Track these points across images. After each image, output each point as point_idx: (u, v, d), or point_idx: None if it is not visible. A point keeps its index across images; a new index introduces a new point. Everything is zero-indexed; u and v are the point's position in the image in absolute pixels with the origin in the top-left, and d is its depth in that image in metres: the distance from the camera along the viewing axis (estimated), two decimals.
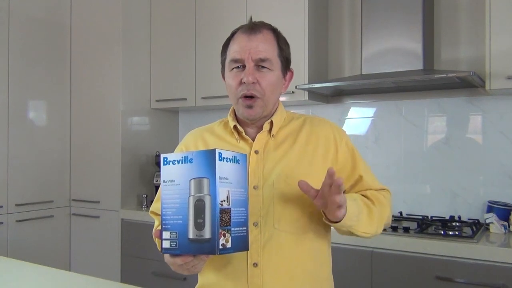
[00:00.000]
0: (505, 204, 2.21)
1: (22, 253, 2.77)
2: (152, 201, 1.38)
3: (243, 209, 1.01)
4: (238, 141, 1.23)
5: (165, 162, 1.02)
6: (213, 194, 0.95)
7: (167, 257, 1.04)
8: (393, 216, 2.44)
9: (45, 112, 3.07)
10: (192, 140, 1.30)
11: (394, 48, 2.33)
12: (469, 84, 2.27)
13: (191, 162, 0.98)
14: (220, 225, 0.95)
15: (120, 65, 2.97)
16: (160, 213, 1.30)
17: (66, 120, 3.17)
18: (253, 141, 1.21)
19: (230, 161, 0.99)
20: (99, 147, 3.05)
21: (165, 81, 3.10)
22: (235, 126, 1.23)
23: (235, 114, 1.26)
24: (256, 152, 1.20)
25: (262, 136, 1.21)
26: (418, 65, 2.26)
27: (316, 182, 1.18)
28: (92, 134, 3.09)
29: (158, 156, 3.09)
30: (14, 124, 2.85)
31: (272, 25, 1.24)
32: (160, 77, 3.12)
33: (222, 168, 0.96)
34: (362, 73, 2.43)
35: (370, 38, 2.40)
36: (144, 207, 2.92)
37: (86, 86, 3.13)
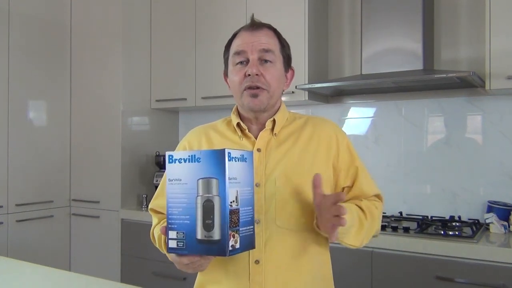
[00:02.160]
0: (505, 204, 2.21)
1: (22, 253, 2.77)
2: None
3: (250, 207, 1.01)
4: (241, 138, 1.23)
5: (170, 160, 1.00)
6: (222, 195, 0.94)
7: (172, 255, 1.04)
8: (393, 216, 2.46)
9: (45, 112, 3.07)
10: (195, 137, 1.30)
11: (394, 48, 2.33)
12: (469, 84, 2.27)
13: (198, 162, 0.96)
14: (230, 227, 0.94)
15: (120, 65, 2.97)
16: (159, 211, 1.31)
17: (66, 120, 3.17)
18: (256, 139, 1.22)
19: (238, 160, 0.98)
20: (99, 147, 3.05)
21: (165, 81, 3.10)
22: (238, 124, 1.23)
23: (238, 113, 1.26)
24: (259, 150, 1.20)
25: (264, 134, 1.22)
26: (418, 65, 2.26)
27: None
28: (92, 134, 3.09)
29: (158, 156, 3.09)
30: (14, 124, 2.85)
31: (272, 25, 1.25)
32: (160, 77, 3.12)
33: (231, 168, 0.95)
34: (362, 73, 2.43)
35: (370, 38, 2.40)
36: (144, 207, 2.92)
37: (86, 86, 3.13)
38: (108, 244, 2.97)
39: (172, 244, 0.99)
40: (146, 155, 3.13)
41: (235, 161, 0.97)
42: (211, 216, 0.95)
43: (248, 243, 1.00)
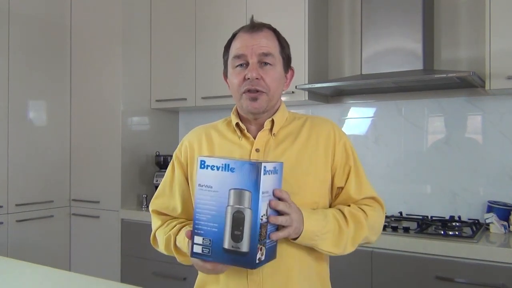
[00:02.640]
0: (505, 204, 2.21)
1: (22, 253, 2.77)
2: None
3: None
4: (240, 138, 1.23)
5: (202, 166, 1.00)
6: (255, 209, 0.94)
7: (196, 261, 1.04)
8: (393, 216, 2.46)
9: (45, 112, 3.07)
10: (196, 136, 1.30)
11: (394, 48, 2.33)
12: (469, 84, 2.27)
13: (232, 172, 0.96)
14: (259, 240, 0.94)
15: (120, 65, 2.97)
16: (163, 212, 1.30)
17: (66, 120, 3.17)
18: (254, 139, 1.22)
19: (271, 173, 0.98)
20: (99, 147, 3.05)
21: (165, 81, 3.10)
22: (237, 124, 1.23)
23: (238, 113, 1.26)
24: (257, 150, 1.20)
25: (263, 135, 1.21)
26: (418, 65, 2.26)
27: (316, 180, 1.18)
28: (92, 134, 3.09)
29: (158, 156, 3.09)
30: (14, 124, 2.85)
31: (272, 25, 1.25)
32: (160, 77, 3.12)
33: (265, 182, 0.95)
34: (362, 73, 2.43)
35: (370, 38, 2.40)
36: (144, 207, 2.92)
37: (86, 86, 3.13)
38: (108, 244, 2.97)
39: (197, 249, 1.00)
40: (146, 155, 3.13)
41: (268, 174, 0.97)
42: (241, 228, 0.95)
43: (272, 254, 1.02)
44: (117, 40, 2.97)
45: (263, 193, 0.94)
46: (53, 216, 3.05)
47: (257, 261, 0.94)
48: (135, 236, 2.83)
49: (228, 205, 0.96)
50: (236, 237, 0.95)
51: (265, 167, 0.94)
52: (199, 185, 1.00)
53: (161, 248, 1.27)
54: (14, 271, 1.63)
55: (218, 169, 0.98)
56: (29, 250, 2.86)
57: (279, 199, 1.03)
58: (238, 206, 0.95)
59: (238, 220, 0.95)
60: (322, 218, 1.12)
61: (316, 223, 1.10)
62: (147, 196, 2.98)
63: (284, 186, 1.13)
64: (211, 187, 0.98)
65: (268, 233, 0.97)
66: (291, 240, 1.09)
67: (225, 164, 0.97)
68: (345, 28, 2.75)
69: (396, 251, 2.00)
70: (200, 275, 1.25)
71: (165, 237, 1.23)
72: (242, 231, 0.95)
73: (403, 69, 2.28)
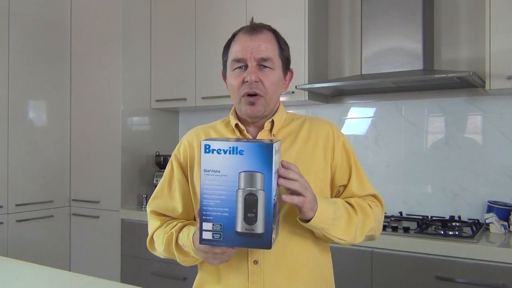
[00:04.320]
0: (505, 204, 2.21)
1: (22, 253, 2.77)
2: None
3: (277, 196, 1.02)
4: None
5: (207, 150, 0.96)
6: (268, 190, 0.94)
7: (202, 246, 1.02)
8: (393, 216, 2.46)
9: (45, 112, 3.07)
10: (195, 136, 1.29)
11: (394, 48, 2.33)
12: (469, 84, 2.27)
13: (241, 154, 0.94)
14: (273, 220, 0.95)
15: (120, 65, 2.97)
16: (162, 213, 1.30)
17: (66, 120, 3.17)
18: None
19: (277, 152, 0.98)
20: (99, 147, 3.05)
21: (165, 81, 3.10)
22: (236, 125, 1.23)
23: (236, 113, 1.26)
24: None
25: (262, 135, 1.22)
26: (418, 65, 2.26)
27: (316, 179, 1.18)
28: (92, 134, 3.09)
29: (158, 156, 3.09)
30: (14, 124, 2.85)
31: (272, 26, 1.24)
32: (160, 77, 3.12)
33: (275, 163, 0.95)
34: (362, 73, 2.43)
35: (370, 38, 2.40)
36: (144, 207, 2.92)
37: (86, 86, 3.13)
38: (108, 244, 2.97)
39: (207, 235, 0.98)
40: (146, 155, 3.13)
41: (276, 154, 0.97)
42: (254, 210, 0.94)
43: (278, 231, 1.04)
44: (117, 40, 2.97)
45: (274, 173, 0.95)
46: (53, 216, 3.05)
47: (272, 241, 0.95)
48: (135, 236, 2.83)
49: (239, 189, 0.95)
50: (250, 220, 0.95)
51: (274, 146, 0.94)
52: (205, 170, 0.96)
53: (159, 249, 1.24)
54: (14, 271, 1.63)
55: (225, 152, 0.95)
56: (29, 250, 2.86)
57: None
58: (250, 189, 0.94)
59: (251, 202, 0.94)
60: (332, 203, 1.12)
61: (327, 206, 1.10)
62: (147, 196, 2.98)
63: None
64: (219, 171, 0.96)
65: (277, 211, 0.99)
66: (302, 223, 1.08)
67: (233, 147, 0.95)
68: (345, 28, 2.75)
69: (396, 251, 2.00)
70: (200, 275, 1.24)
71: (166, 236, 1.20)
72: (255, 213, 0.94)
73: (403, 69, 2.28)
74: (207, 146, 0.96)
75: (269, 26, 1.23)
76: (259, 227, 0.95)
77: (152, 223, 1.29)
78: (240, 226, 0.96)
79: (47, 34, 3.04)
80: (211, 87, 2.84)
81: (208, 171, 0.96)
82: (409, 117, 2.54)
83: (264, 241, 0.95)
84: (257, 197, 0.94)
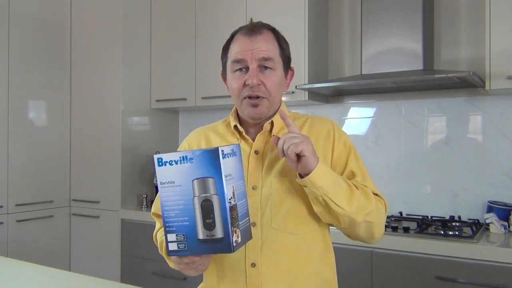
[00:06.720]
0: (505, 204, 2.21)
1: (22, 253, 2.77)
2: (152, 201, 1.37)
3: (244, 200, 1.01)
4: (239, 141, 1.23)
5: (160, 163, 0.98)
6: (221, 193, 0.94)
7: (174, 258, 1.03)
8: (393, 216, 2.46)
9: (45, 112, 3.07)
10: (195, 139, 1.30)
11: (394, 48, 2.33)
12: (469, 84, 2.27)
13: (191, 162, 0.95)
14: (232, 223, 0.95)
15: (120, 65, 2.96)
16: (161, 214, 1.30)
17: (66, 120, 3.17)
18: (254, 141, 1.21)
19: (230, 156, 0.98)
20: (99, 147, 3.05)
21: (165, 81, 3.10)
22: (235, 126, 1.23)
23: (237, 114, 1.26)
24: (256, 152, 1.19)
25: (262, 136, 1.21)
26: (418, 65, 2.26)
27: None
28: (92, 134, 3.09)
29: None
30: (14, 124, 2.85)
31: (272, 25, 1.23)
32: (160, 77, 3.12)
33: (226, 166, 0.95)
34: (362, 73, 2.43)
35: (370, 38, 2.40)
36: (144, 207, 2.92)
37: (86, 86, 3.13)
38: (108, 244, 2.96)
39: (173, 246, 0.99)
40: (146, 155, 3.13)
41: (228, 157, 0.97)
42: (211, 215, 0.95)
43: (247, 235, 1.02)
44: (117, 40, 2.97)
45: (226, 176, 0.94)
46: (53, 216, 3.05)
47: (234, 244, 0.95)
48: (135, 236, 2.83)
49: (194, 196, 0.96)
50: (209, 225, 0.95)
51: (222, 150, 0.95)
52: (161, 183, 0.98)
53: (159, 251, 1.27)
54: (14, 271, 1.63)
55: (176, 163, 0.97)
56: (29, 250, 2.86)
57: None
58: (205, 195, 0.95)
59: (207, 208, 0.95)
60: (332, 172, 1.10)
61: (328, 170, 1.07)
62: (147, 196, 2.98)
63: (284, 183, 1.13)
64: (174, 182, 0.97)
65: (239, 215, 0.97)
66: (300, 181, 1.06)
67: (183, 157, 0.96)
68: (345, 28, 2.75)
69: (396, 251, 2.00)
70: (204, 278, 1.25)
71: (159, 240, 1.23)
72: (213, 218, 0.95)
73: (403, 69, 2.28)
74: (160, 160, 0.98)
75: (268, 25, 1.22)
76: (218, 232, 0.95)
77: (156, 224, 1.31)
78: (201, 233, 0.96)
79: (47, 34, 3.04)
80: (211, 87, 2.84)
81: (164, 183, 0.98)
82: (409, 117, 2.54)
83: (225, 245, 0.95)
84: (212, 202, 0.95)
